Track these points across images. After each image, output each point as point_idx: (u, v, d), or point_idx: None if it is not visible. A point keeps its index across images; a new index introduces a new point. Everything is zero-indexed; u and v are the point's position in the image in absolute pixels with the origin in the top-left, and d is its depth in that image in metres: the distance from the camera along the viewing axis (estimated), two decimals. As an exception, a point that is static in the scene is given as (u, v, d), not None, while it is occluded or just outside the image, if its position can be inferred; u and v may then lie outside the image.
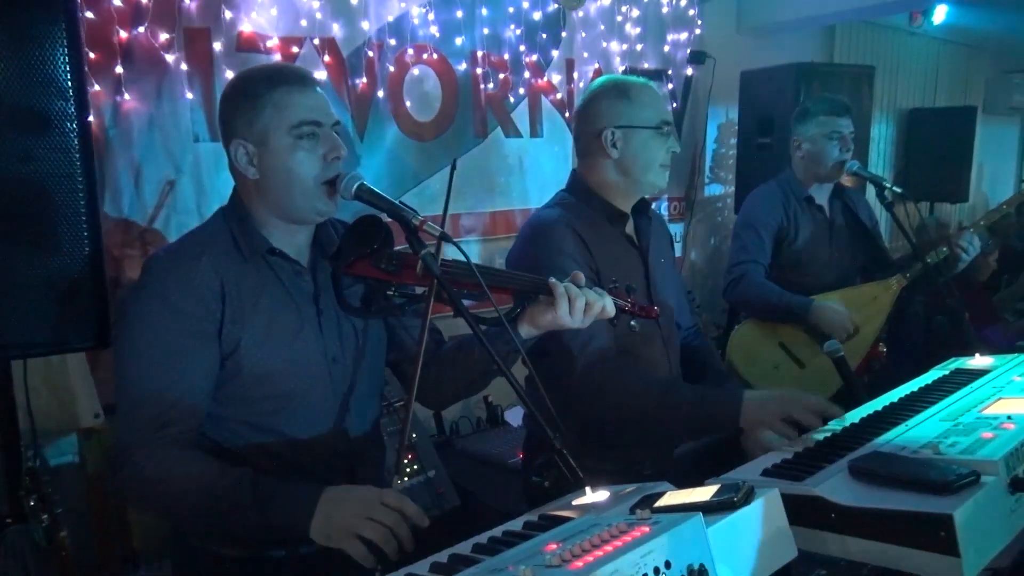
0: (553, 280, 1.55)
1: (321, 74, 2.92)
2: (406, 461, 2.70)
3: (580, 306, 1.54)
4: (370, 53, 3.07)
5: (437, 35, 3.26)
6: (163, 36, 2.55)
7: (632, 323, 1.65)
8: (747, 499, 1.06)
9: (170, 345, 1.44)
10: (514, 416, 3.27)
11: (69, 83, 1.63)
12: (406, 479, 2.65)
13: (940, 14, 6.00)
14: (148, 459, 1.41)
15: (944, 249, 2.90)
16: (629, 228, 2.12)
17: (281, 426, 1.55)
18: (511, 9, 3.50)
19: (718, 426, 1.82)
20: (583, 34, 3.82)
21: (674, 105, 4.28)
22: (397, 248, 1.56)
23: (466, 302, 1.48)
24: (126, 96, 2.49)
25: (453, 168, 1.66)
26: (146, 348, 1.45)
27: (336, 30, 2.97)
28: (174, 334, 1.45)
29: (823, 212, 3.02)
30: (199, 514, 1.45)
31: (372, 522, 1.30)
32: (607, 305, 1.57)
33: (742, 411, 1.72)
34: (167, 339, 1.44)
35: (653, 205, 2.26)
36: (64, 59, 1.63)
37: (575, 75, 3.82)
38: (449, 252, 1.53)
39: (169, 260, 1.50)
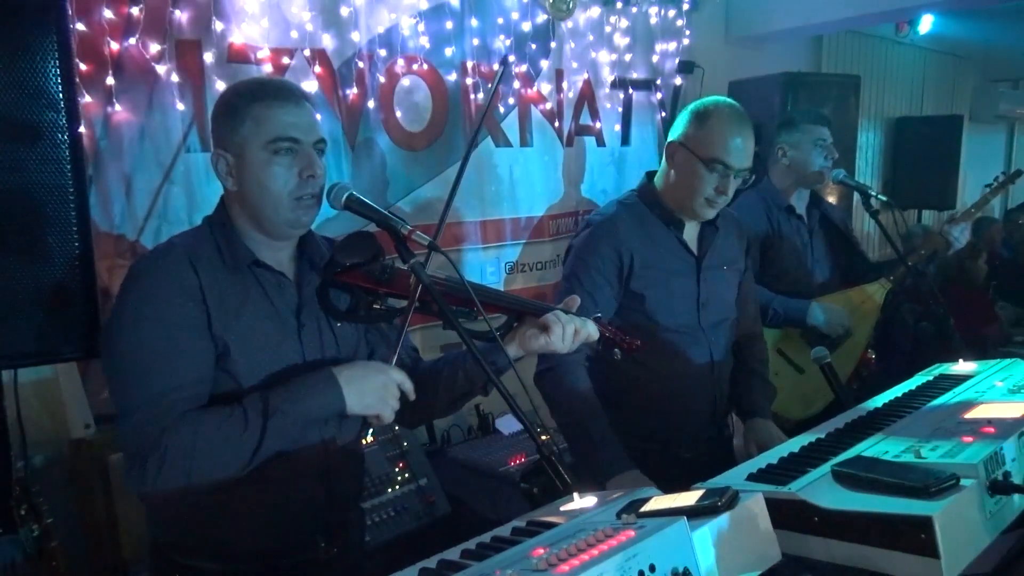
0: (547, 314, 1.61)
1: (312, 85, 2.92)
2: (397, 470, 2.71)
3: (570, 333, 1.61)
4: (360, 64, 3.08)
5: (427, 46, 3.27)
6: (154, 47, 2.55)
7: (615, 351, 1.73)
8: (731, 503, 1.08)
9: (168, 338, 1.45)
10: (505, 424, 3.28)
11: (60, 94, 1.64)
12: (397, 487, 2.65)
13: (926, 24, 6.06)
14: (170, 443, 1.39)
15: (923, 252, 2.97)
16: (690, 235, 2.19)
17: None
18: (501, 20, 3.52)
19: (595, 467, 1.96)
20: (572, 44, 3.84)
21: (662, 115, 4.30)
22: (388, 261, 1.58)
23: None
24: (117, 107, 2.49)
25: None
26: (146, 345, 1.45)
27: (327, 41, 2.98)
28: (168, 329, 1.45)
29: (803, 221, 3.06)
30: (238, 449, 1.43)
31: (393, 390, 1.50)
32: (592, 332, 1.65)
33: (618, 476, 1.90)
34: (162, 335, 1.44)
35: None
36: (55, 70, 1.64)
37: (564, 85, 3.84)
38: (439, 267, 1.55)
39: (154, 262, 1.52)
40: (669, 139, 2.15)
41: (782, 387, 2.80)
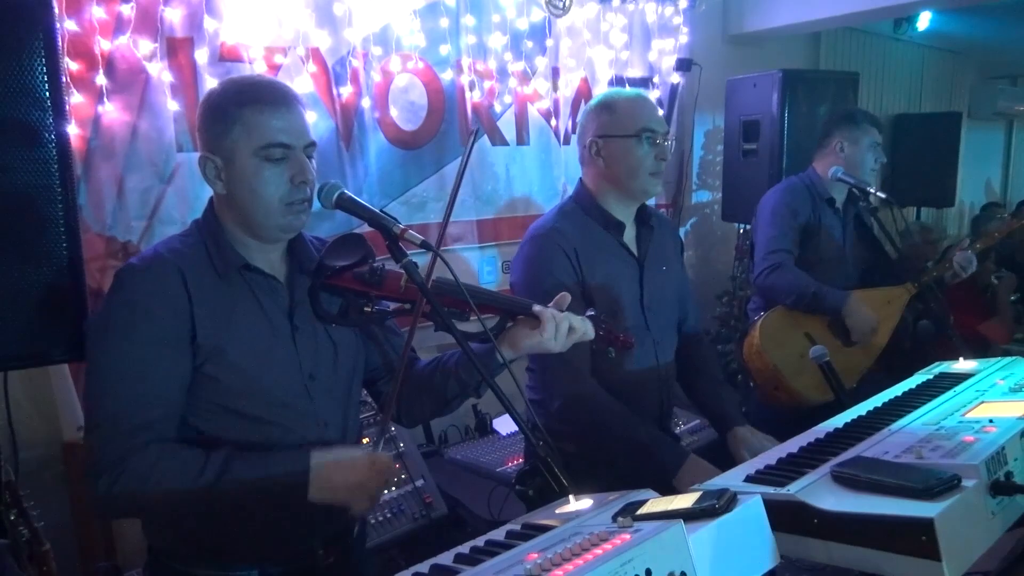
0: (539, 308, 1.57)
1: (306, 83, 2.90)
2: (393, 471, 2.69)
3: (564, 330, 1.57)
4: (355, 62, 3.06)
5: (422, 44, 3.25)
6: (145, 46, 2.53)
7: (609, 349, 1.71)
8: (729, 506, 1.06)
9: (143, 354, 1.43)
10: (502, 425, 3.26)
11: (47, 93, 1.62)
12: (394, 488, 2.64)
13: (924, 21, 6.04)
14: (128, 467, 1.39)
15: (935, 273, 3.04)
16: (628, 236, 2.20)
17: (257, 441, 1.53)
18: (497, 18, 3.50)
19: (657, 468, 1.97)
20: (569, 42, 3.82)
21: (660, 113, 4.28)
22: (379, 264, 1.56)
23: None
24: (108, 106, 2.47)
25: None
26: (119, 358, 1.43)
27: (320, 39, 2.95)
28: (147, 343, 1.43)
29: (839, 214, 3.08)
30: (191, 506, 1.43)
31: (369, 482, 1.44)
32: (588, 330, 1.61)
33: (682, 468, 1.94)
34: (140, 348, 1.43)
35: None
36: (42, 70, 1.62)
37: (561, 83, 3.82)
38: (438, 269, 1.53)
39: (140, 269, 1.49)
40: (585, 141, 2.17)
41: (805, 369, 2.83)
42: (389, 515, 2.56)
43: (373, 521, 2.51)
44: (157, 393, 1.44)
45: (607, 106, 2.14)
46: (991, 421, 1.34)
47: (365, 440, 2.54)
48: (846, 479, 1.21)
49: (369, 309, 1.56)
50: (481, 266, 3.63)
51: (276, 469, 1.43)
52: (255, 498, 1.43)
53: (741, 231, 4.65)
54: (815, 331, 2.94)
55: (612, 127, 2.12)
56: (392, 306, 1.61)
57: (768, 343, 2.92)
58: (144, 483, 1.39)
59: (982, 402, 1.50)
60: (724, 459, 2.01)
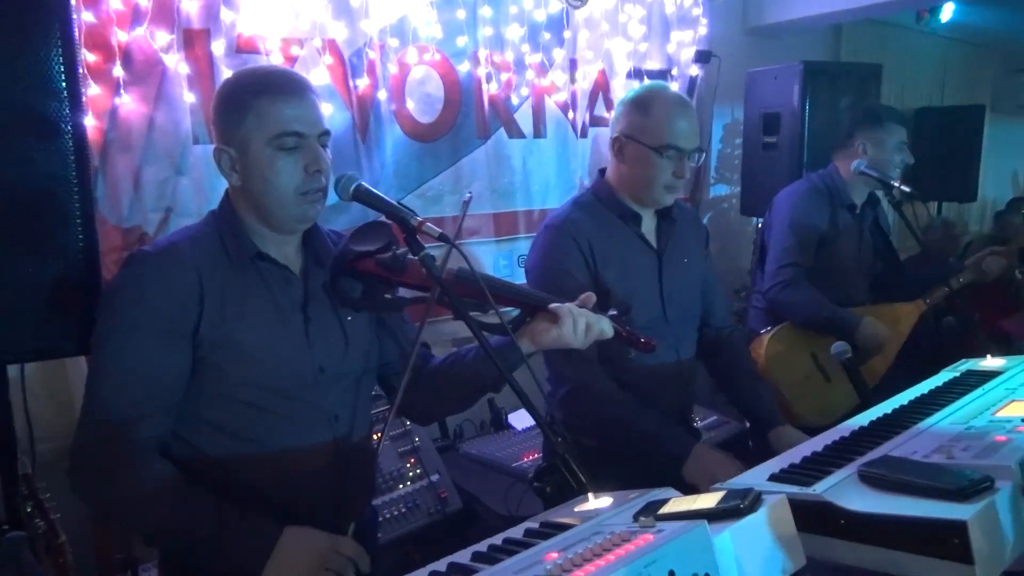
0: (556, 305, 1.55)
1: (322, 75, 2.88)
2: (408, 465, 2.68)
3: (582, 326, 1.53)
4: (371, 54, 3.04)
5: (439, 36, 3.22)
6: (162, 38, 2.52)
7: (628, 349, 1.70)
8: (753, 506, 1.03)
9: (143, 345, 1.43)
10: (518, 419, 3.24)
11: (64, 85, 1.61)
12: (408, 483, 2.63)
13: (947, 12, 5.96)
14: (110, 461, 1.40)
15: (963, 278, 2.98)
16: (648, 228, 2.17)
17: (266, 434, 1.52)
18: (514, 9, 3.47)
19: (664, 459, 1.96)
20: (587, 34, 3.78)
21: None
22: (402, 251, 1.54)
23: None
24: (125, 98, 2.47)
25: (466, 204, 1.64)
26: (119, 347, 1.44)
27: (337, 31, 2.93)
28: (148, 334, 1.43)
29: (857, 219, 3.00)
30: (153, 531, 1.49)
31: (328, 571, 1.40)
32: (605, 329, 1.57)
33: (690, 456, 1.92)
34: (141, 339, 1.43)
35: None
36: (59, 61, 1.61)
37: (578, 75, 3.78)
38: (453, 260, 1.52)
39: (150, 258, 1.49)
40: (613, 134, 2.12)
41: (808, 391, 2.77)
42: (404, 510, 2.55)
43: (388, 516, 2.50)
44: (153, 385, 1.44)
45: (642, 105, 2.06)
46: (1023, 420, 1.31)
47: (376, 436, 2.55)
48: (874, 479, 1.18)
49: (389, 296, 1.55)
50: (496, 260, 3.60)
51: (239, 542, 1.42)
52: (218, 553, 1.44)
53: (759, 225, 4.60)
54: (821, 352, 2.86)
55: (639, 131, 2.05)
56: (412, 294, 1.59)
57: (773, 363, 2.85)
58: (115, 489, 1.42)
59: (1012, 400, 1.47)
60: (743, 456, 1.98)
